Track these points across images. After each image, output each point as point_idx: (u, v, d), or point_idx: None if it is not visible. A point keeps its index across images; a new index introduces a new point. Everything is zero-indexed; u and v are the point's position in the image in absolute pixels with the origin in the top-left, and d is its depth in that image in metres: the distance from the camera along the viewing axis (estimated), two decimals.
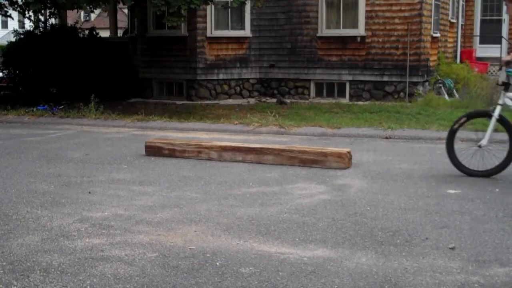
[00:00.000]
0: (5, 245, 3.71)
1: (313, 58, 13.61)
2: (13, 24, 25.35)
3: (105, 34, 18.58)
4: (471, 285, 3.05)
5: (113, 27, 17.97)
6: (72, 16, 22.20)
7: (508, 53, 5.55)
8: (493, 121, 5.47)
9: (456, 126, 5.65)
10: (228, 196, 4.90)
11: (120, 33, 20.01)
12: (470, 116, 5.72)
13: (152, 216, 4.30)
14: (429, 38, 13.27)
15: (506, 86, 5.47)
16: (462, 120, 5.67)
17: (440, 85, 13.21)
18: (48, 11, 15.16)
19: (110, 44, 15.20)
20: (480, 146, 5.54)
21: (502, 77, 5.48)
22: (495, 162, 5.47)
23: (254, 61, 14.12)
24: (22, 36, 14.49)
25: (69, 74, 13.39)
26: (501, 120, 5.47)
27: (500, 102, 5.48)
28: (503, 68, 5.50)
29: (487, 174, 5.49)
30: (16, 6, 13.66)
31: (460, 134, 5.71)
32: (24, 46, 13.91)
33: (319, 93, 13.85)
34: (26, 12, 13.76)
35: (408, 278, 3.14)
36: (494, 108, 5.50)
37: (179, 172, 5.84)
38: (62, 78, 13.43)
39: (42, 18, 15.27)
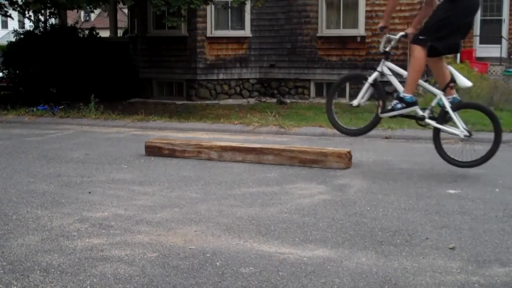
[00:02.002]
0: (5, 245, 3.71)
1: (313, 58, 13.62)
2: (13, 24, 25.38)
3: (105, 34, 18.59)
4: (471, 285, 3.05)
5: (113, 27, 17.99)
6: (72, 16, 22.22)
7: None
8: (366, 85, 5.77)
9: (333, 88, 6.20)
10: (228, 196, 4.90)
11: (120, 33, 20.03)
12: (347, 79, 6.46)
13: (152, 216, 4.30)
14: None
15: (386, 55, 5.73)
16: (339, 82, 6.31)
17: None
18: (48, 11, 15.17)
19: (110, 44, 15.21)
20: (351, 105, 5.90)
21: (382, 45, 5.71)
22: (365, 123, 5.95)
23: (254, 61, 14.12)
24: (22, 36, 14.50)
25: (69, 74, 13.41)
26: (374, 85, 5.76)
27: (379, 69, 5.75)
28: (385, 36, 5.65)
29: (358, 133, 6.06)
30: (16, 6, 13.68)
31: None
32: (24, 46, 13.93)
33: (319, 93, 13.86)
34: (26, 12, 13.78)
35: (408, 278, 3.14)
36: (371, 73, 5.80)
37: (179, 172, 5.84)
38: (62, 78, 13.44)
39: (42, 18, 15.28)
